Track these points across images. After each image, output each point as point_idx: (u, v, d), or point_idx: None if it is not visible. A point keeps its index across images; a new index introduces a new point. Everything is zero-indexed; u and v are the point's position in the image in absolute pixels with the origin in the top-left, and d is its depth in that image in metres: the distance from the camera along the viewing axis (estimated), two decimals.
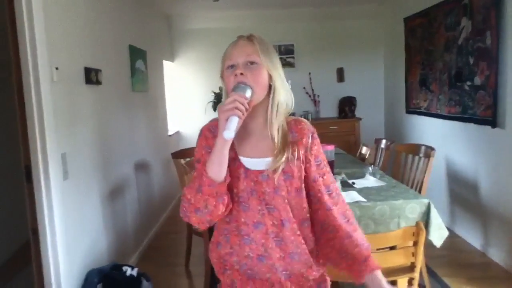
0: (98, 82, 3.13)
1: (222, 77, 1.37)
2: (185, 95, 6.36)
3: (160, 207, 4.97)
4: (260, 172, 1.31)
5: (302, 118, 1.43)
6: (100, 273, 2.74)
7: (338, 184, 2.75)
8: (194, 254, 3.70)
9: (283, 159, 1.30)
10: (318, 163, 1.38)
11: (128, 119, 3.95)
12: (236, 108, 1.20)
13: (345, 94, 6.28)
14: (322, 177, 1.38)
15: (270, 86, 1.32)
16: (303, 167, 1.35)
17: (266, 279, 1.34)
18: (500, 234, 3.49)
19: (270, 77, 1.32)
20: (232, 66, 1.30)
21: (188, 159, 3.72)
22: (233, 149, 1.32)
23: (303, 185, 1.35)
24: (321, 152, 1.40)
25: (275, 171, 1.29)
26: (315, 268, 1.37)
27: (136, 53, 4.27)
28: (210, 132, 1.36)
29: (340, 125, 6.03)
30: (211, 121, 1.40)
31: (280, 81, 1.34)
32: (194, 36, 6.31)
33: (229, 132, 1.19)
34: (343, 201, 1.41)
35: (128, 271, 2.78)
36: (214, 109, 5.82)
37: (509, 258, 3.37)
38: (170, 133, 5.76)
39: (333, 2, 5.91)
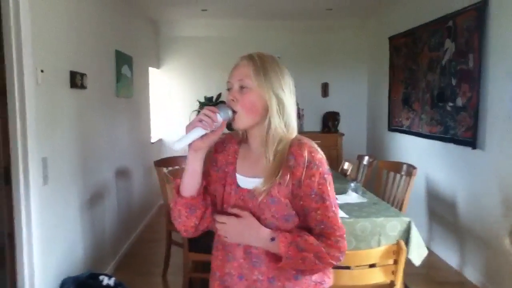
0: (83, 86, 3.09)
1: None
2: (170, 103, 6.32)
3: (139, 215, 4.90)
4: (248, 191, 1.29)
5: (309, 143, 1.31)
6: (76, 281, 2.67)
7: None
8: (173, 264, 3.65)
9: (271, 182, 1.24)
10: (312, 195, 1.26)
11: (111, 124, 3.90)
12: (200, 120, 1.21)
13: (329, 109, 6.34)
14: (315, 211, 1.26)
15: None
16: (296, 194, 1.26)
17: None
18: (476, 253, 3.55)
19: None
20: (229, 88, 1.31)
21: (171, 168, 3.69)
22: (233, 165, 1.33)
23: (294, 212, 1.27)
24: (321, 183, 1.26)
25: (261, 192, 1.25)
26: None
27: (122, 59, 4.24)
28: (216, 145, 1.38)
29: (323, 139, 6.03)
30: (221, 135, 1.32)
31: (276, 105, 1.26)
32: (181, 43, 6.30)
33: (179, 143, 1.20)
34: (328, 238, 1.26)
35: (105, 280, 2.72)
36: None
37: (483, 277, 3.42)
38: (152, 140, 5.71)
39: (316, 16, 5.94)
